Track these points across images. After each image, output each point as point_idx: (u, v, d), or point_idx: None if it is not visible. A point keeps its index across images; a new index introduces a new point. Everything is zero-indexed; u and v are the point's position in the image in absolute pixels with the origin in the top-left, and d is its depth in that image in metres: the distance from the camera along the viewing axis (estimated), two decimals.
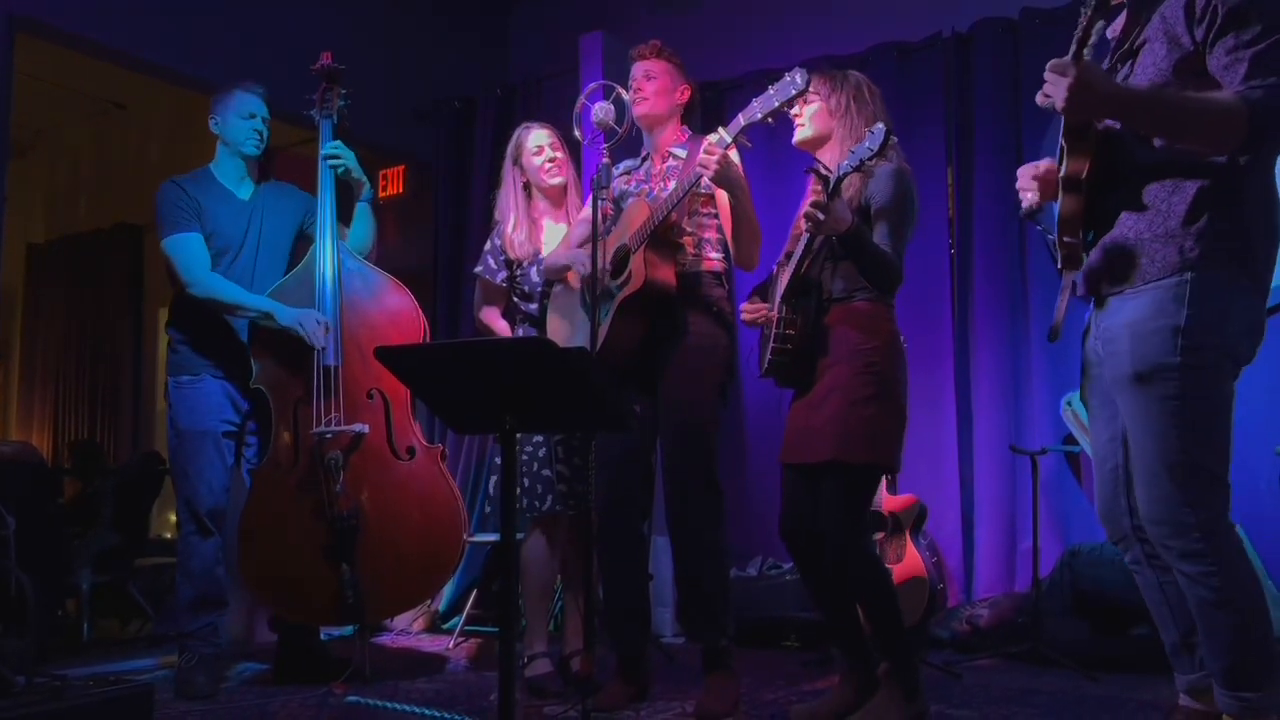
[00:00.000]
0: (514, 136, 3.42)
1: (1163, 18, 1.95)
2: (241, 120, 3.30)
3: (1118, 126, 2.02)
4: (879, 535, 3.74)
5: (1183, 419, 1.91)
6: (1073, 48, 1.83)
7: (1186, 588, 1.95)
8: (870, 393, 2.52)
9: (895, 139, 2.59)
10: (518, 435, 3.01)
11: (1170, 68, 1.92)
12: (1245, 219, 1.92)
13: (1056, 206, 2.05)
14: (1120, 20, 2.08)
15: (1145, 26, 1.99)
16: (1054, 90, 1.85)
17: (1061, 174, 1.99)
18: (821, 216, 2.43)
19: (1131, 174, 1.99)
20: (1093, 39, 1.83)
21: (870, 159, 2.40)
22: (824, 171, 2.48)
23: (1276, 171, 2.02)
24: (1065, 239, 2.02)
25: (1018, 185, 2.18)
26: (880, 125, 2.41)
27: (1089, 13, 1.82)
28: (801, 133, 2.69)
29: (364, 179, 3.40)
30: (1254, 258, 1.93)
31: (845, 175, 2.45)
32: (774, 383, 2.69)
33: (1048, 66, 1.87)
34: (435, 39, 5.51)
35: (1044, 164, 2.16)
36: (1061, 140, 1.97)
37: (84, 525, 4.87)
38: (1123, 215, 2.00)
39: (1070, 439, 3.89)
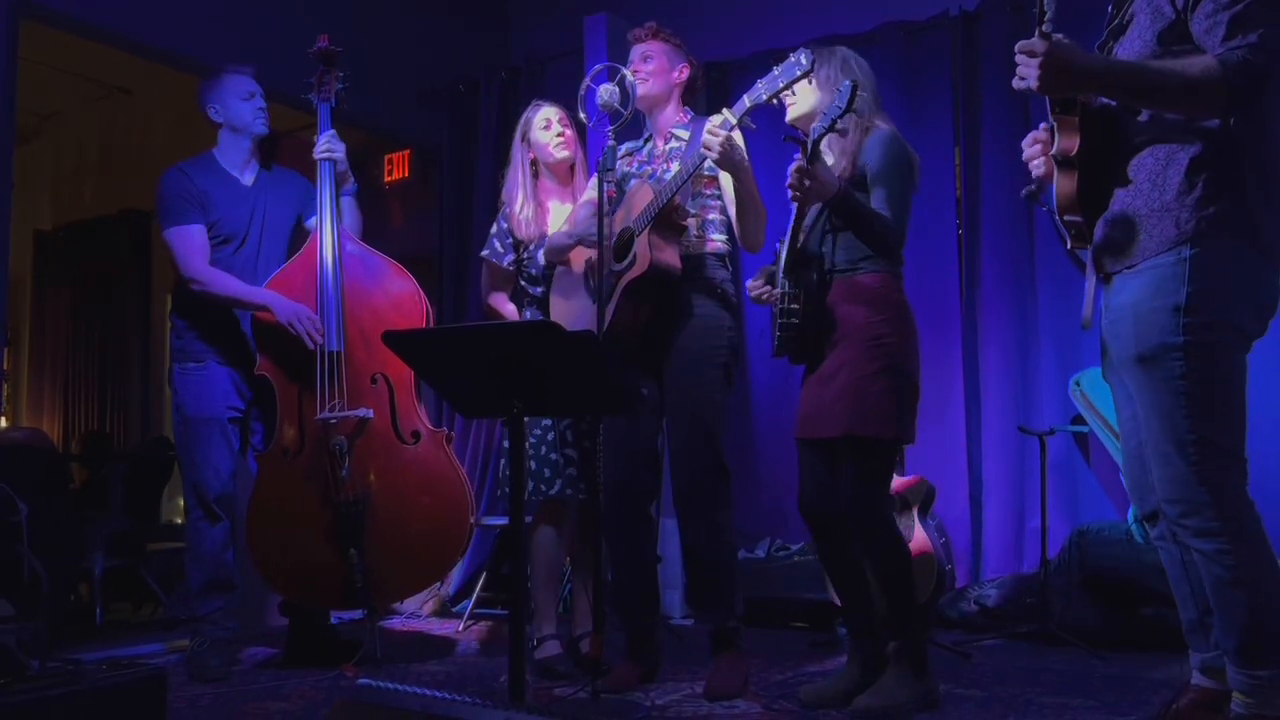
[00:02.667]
0: (523, 115, 3.41)
1: None
2: (243, 102, 3.29)
3: (1109, 102, 2.03)
4: None
5: (1191, 397, 1.90)
6: (1035, 27, 1.85)
7: (1202, 565, 1.95)
8: (880, 366, 2.53)
9: (884, 109, 2.60)
10: (525, 419, 3.02)
11: (1154, 38, 1.94)
12: (1244, 188, 1.91)
13: (1053, 186, 2.05)
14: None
15: (1132, 3, 2.01)
16: (1027, 71, 1.86)
17: (1053, 153, 1.99)
18: (807, 183, 2.42)
19: (1124, 149, 1.99)
20: (1048, 12, 1.84)
21: (840, 116, 2.40)
22: (802, 137, 2.48)
23: None
24: (1067, 218, 2.03)
25: (1025, 156, 2.16)
26: (847, 82, 2.41)
27: None
28: (794, 110, 2.68)
29: (349, 173, 3.38)
30: (1256, 226, 1.92)
31: (821, 137, 2.46)
32: (787, 362, 2.69)
33: (1016, 48, 1.87)
34: (438, 21, 5.48)
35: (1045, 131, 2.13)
36: (1051, 119, 1.98)
37: (95, 510, 4.89)
38: (1118, 191, 2.00)
39: (1079, 419, 3.88)
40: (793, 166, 2.46)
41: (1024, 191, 2.21)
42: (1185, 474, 1.92)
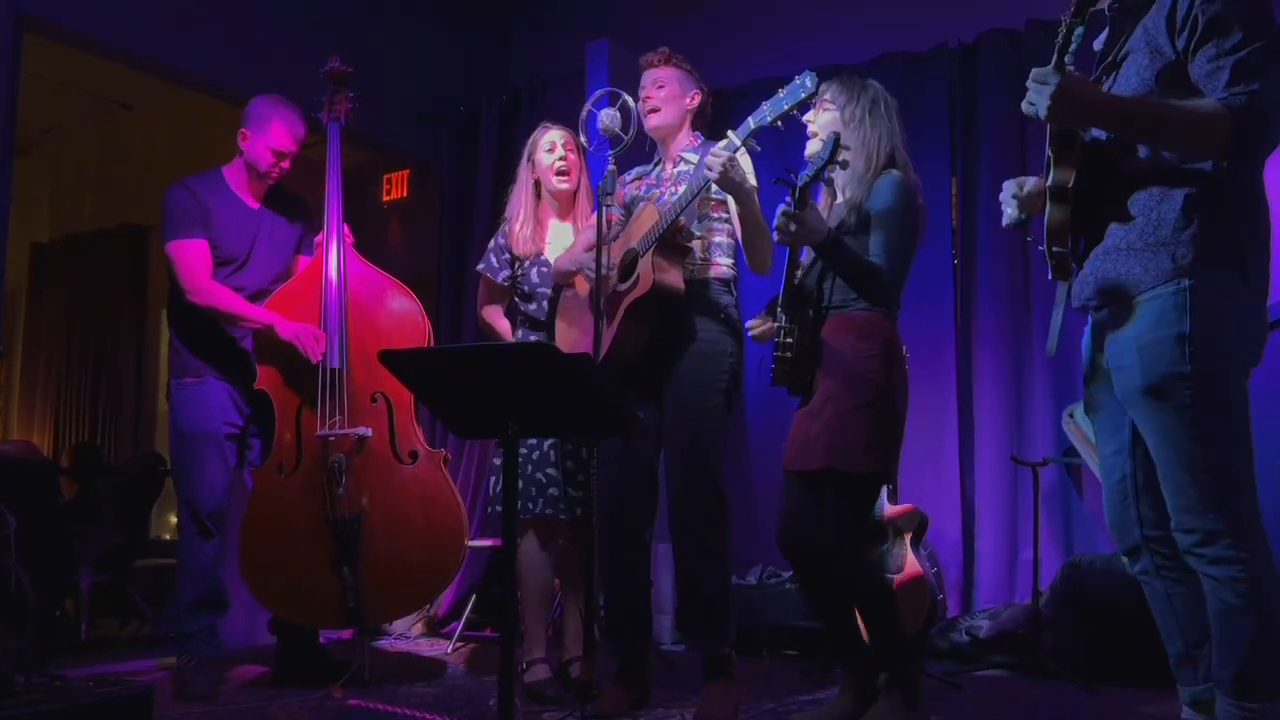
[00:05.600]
0: (533, 135, 3.43)
1: (1145, 29, 1.97)
2: (270, 151, 3.27)
3: (1104, 137, 2.04)
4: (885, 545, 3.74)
5: (1202, 426, 1.91)
6: (1054, 57, 1.85)
7: (1212, 591, 1.94)
8: (865, 400, 2.53)
9: (906, 160, 2.62)
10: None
11: (1153, 77, 1.94)
12: (1233, 224, 1.94)
13: (1045, 217, 2.05)
14: (1104, 33, 2.11)
15: (1129, 38, 2.01)
16: (1037, 98, 1.86)
17: (1049, 184, 2.00)
18: (793, 227, 2.43)
19: (1119, 184, 2.01)
20: (1073, 45, 1.85)
21: (824, 167, 2.41)
22: (793, 180, 2.48)
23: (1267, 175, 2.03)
24: (1054, 249, 2.03)
25: (1000, 198, 2.22)
26: (832, 131, 2.41)
27: (1068, 19, 1.85)
28: (813, 144, 2.65)
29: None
30: (1245, 261, 1.94)
31: (806, 184, 2.45)
32: (785, 393, 2.70)
33: (1031, 75, 1.88)
34: (439, 43, 5.52)
35: (1030, 183, 2.20)
36: (1048, 150, 1.98)
37: (85, 525, 4.87)
38: (1113, 226, 2.01)
39: (1072, 451, 3.88)
40: (780, 209, 2.46)
41: (1004, 223, 2.25)
42: (1199, 502, 1.91)
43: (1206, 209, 1.92)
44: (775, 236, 2.49)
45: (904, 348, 2.67)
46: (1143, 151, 2.00)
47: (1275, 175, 2.09)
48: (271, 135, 3.27)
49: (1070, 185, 1.96)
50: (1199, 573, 1.96)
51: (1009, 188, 2.22)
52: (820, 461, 2.52)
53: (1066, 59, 1.85)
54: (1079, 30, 1.85)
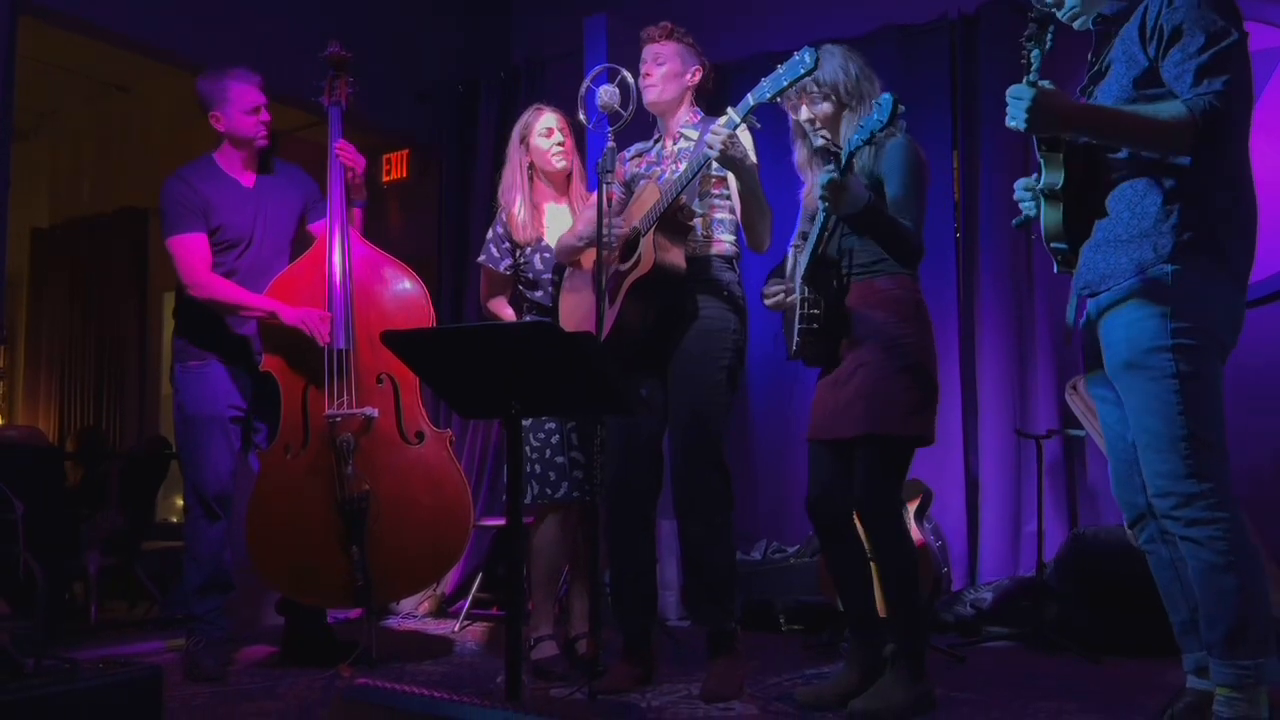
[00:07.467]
0: (522, 117, 3.39)
1: (1123, 40, 2.16)
2: (247, 115, 3.26)
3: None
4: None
5: (1182, 395, 2.04)
6: (1024, 77, 2.04)
7: (1192, 554, 2.04)
8: (902, 365, 2.55)
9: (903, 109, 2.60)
10: (526, 421, 3.02)
11: (1131, 83, 2.12)
12: (1212, 217, 2.08)
13: (1041, 217, 2.21)
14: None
15: (1110, 52, 2.19)
16: (1016, 112, 2.04)
17: (1040, 186, 2.17)
18: (841, 195, 2.42)
19: (1105, 183, 2.17)
20: (1034, 65, 2.04)
21: (881, 130, 2.39)
22: (834, 148, 2.47)
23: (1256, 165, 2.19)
24: (1053, 245, 2.20)
25: (1015, 197, 2.34)
26: (887, 95, 2.40)
27: (1026, 44, 2.06)
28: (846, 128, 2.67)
29: (363, 188, 3.39)
30: (1223, 252, 2.09)
31: (857, 149, 2.44)
32: (785, 364, 2.71)
33: (1008, 92, 2.05)
34: (437, 21, 5.48)
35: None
36: (1038, 154, 2.15)
37: (91, 509, 4.89)
38: (1101, 221, 2.17)
39: (1076, 423, 3.88)
40: (824, 179, 2.45)
41: (1015, 221, 2.35)
42: (1178, 467, 2.03)
43: (1186, 202, 2.07)
44: (819, 204, 2.49)
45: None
46: (1125, 151, 2.14)
47: (1263, 158, 2.16)
48: (236, 99, 3.25)
49: (1060, 186, 2.13)
50: (1177, 538, 2.07)
51: (1021, 184, 2.33)
52: (859, 427, 2.54)
53: (1032, 77, 2.03)
54: (1036, 51, 2.03)
